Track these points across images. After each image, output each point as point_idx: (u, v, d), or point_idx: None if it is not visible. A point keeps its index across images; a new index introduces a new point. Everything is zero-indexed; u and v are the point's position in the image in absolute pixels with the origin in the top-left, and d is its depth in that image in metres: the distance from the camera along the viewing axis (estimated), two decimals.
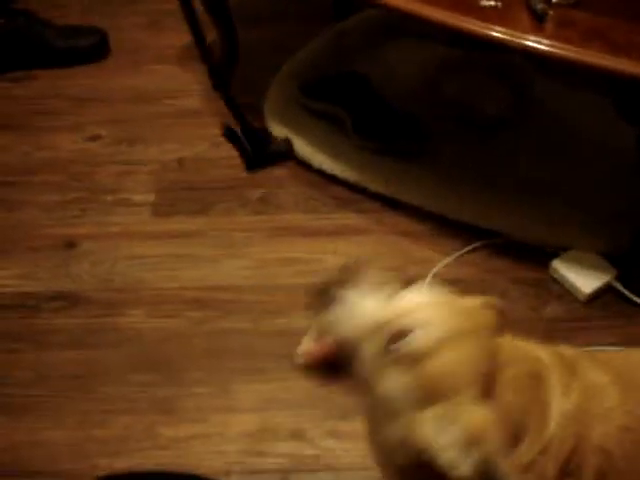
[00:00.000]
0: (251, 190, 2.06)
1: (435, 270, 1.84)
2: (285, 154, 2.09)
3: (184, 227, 1.99)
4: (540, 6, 1.54)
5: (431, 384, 0.98)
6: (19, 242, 1.97)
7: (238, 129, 2.15)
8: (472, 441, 0.96)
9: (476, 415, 0.98)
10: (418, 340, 0.98)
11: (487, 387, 1.01)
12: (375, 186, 2.02)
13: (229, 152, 2.17)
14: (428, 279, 1.82)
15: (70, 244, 1.96)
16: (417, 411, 0.99)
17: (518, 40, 1.51)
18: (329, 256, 1.90)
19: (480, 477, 0.96)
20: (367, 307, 1.03)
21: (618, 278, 1.79)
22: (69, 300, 1.84)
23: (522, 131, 2.15)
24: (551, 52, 1.50)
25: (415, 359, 0.98)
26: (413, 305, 1.03)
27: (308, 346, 1.10)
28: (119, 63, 2.51)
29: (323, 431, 1.59)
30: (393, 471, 1.12)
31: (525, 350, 1.13)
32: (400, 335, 0.99)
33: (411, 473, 1.06)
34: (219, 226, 1.99)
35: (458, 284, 1.81)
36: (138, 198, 2.07)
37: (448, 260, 1.87)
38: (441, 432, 0.98)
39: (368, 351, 1.02)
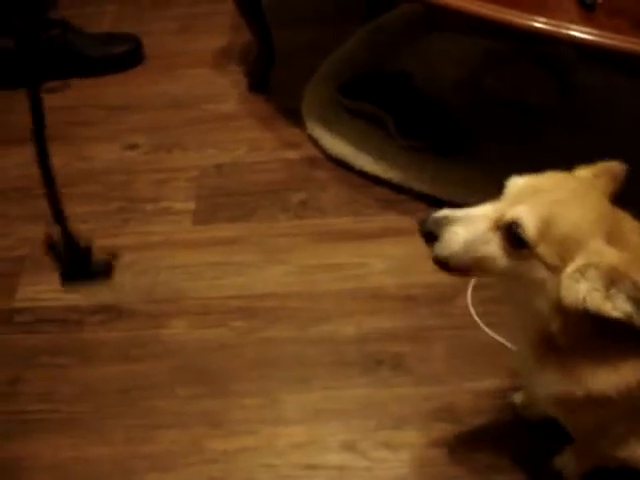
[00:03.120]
0: (292, 194, 2.03)
1: None
2: (104, 274, 1.90)
3: (225, 234, 1.96)
4: None
5: (559, 250, 1.06)
6: None
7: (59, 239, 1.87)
8: (615, 277, 1.04)
9: (609, 256, 1.05)
10: (529, 222, 1.07)
11: (613, 233, 1.08)
12: (420, 185, 1.98)
13: (268, 156, 2.15)
14: (473, 279, 1.77)
15: (112, 255, 1.94)
16: (556, 275, 1.07)
17: (566, 30, 1.46)
18: (374, 259, 1.86)
19: (635, 308, 1.03)
20: (475, 215, 1.13)
21: None
22: (113, 313, 1.82)
23: (568, 123, 2.09)
24: (601, 42, 1.45)
25: (535, 238, 1.07)
26: (515, 196, 1.12)
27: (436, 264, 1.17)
28: (153, 69, 2.49)
29: (375, 442, 1.55)
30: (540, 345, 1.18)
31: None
32: (513, 226, 1.08)
33: (569, 333, 1.12)
34: (261, 232, 1.96)
35: None
36: (178, 206, 2.04)
37: None
38: (583, 282, 1.05)
39: (493, 251, 1.11)
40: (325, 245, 1.90)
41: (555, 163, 1.95)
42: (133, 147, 2.22)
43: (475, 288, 1.76)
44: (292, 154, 2.12)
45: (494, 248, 1.11)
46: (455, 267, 1.15)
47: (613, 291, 1.04)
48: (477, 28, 2.13)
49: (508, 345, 1.64)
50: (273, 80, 2.33)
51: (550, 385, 1.21)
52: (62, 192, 1.77)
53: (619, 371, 1.13)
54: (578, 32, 1.46)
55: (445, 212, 1.14)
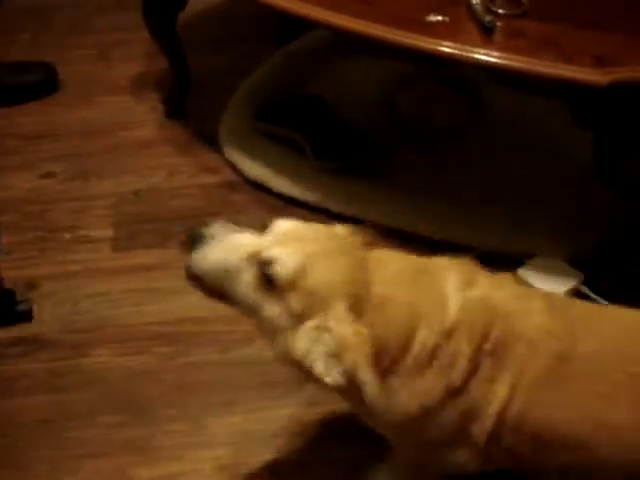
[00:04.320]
0: (211, 219, 2.02)
1: None
2: (27, 316, 1.86)
3: (145, 261, 1.96)
4: (488, 18, 1.55)
5: (303, 302, 1.10)
6: None
7: None
8: (340, 350, 1.07)
9: (345, 327, 1.08)
10: (284, 265, 1.10)
11: (358, 298, 1.11)
12: (336, 206, 2.01)
13: (186, 181, 2.15)
14: None
15: (30, 286, 1.91)
16: (297, 325, 1.10)
17: (468, 54, 1.52)
18: None
19: (350, 384, 1.07)
20: (237, 241, 1.16)
21: (585, 282, 1.80)
22: (33, 344, 1.79)
23: (479, 141, 2.16)
24: (502, 64, 1.51)
25: (285, 282, 1.10)
26: (279, 236, 1.15)
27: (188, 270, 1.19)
28: (69, 97, 2.47)
29: (301, 463, 1.56)
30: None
31: (414, 256, 1.23)
32: (269, 263, 1.11)
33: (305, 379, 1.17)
34: (180, 257, 1.94)
35: None
36: (96, 234, 2.03)
37: None
38: (313, 343, 1.09)
39: (243, 281, 1.14)
40: None
41: (468, 181, 2.02)
42: (49, 176, 2.20)
43: None
44: (210, 179, 2.13)
45: (245, 280, 1.14)
46: (206, 286, 1.18)
47: (334, 361, 1.08)
48: (388, 51, 2.18)
49: None
50: (190, 106, 2.34)
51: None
52: None
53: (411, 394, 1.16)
54: (481, 55, 1.52)
55: (215, 228, 1.18)
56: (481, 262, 1.84)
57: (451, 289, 1.18)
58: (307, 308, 1.10)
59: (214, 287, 1.18)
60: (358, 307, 1.12)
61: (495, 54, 1.50)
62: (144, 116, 2.37)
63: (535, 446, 1.18)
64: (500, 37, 1.54)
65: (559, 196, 1.98)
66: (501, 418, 1.17)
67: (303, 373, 1.14)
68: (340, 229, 1.22)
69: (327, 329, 1.09)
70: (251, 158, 2.13)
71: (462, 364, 1.14)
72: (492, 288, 1.21)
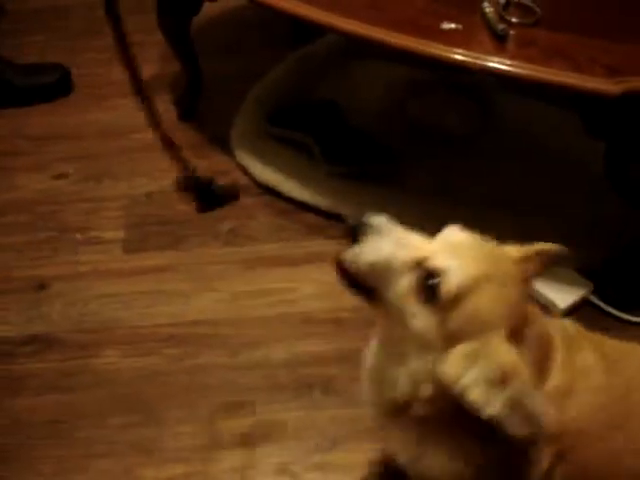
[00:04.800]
0: (221, 222, 2.05)
1: None
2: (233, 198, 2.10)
3: (156, 262, 1.97)
4: (501, 27, 1.55)
5: (462, 322, 1.00)
6: None
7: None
8: (503, 378, 0.98)
9: (506, 353, 1.00)
10: (452, 281, 1.00)
11: (517, 328, 1.03)
12: (347, 211, 2.01)
13: None
14: None
15: (41, 285, 1.93)
16: (448, 347, 1.01)
17: (481, 62, 1.52)
18: (303, 284, 1.89)
19: (511, 414, 0.98)
20: (404, 241, 1.06)
21: (594, 291, 1.80)
22: (43, 343, 1.81)
23: (490, 148, 2.16)
24: (514, 72, 1.51)
25: (448, 298, 1.00)
26: (449, 246, 1.06)
27: (342, 262, 1.10)
28: (83, 99, 2.49)
29: (308, 464, 1.57)
30: (392, 407, 1.14)
31: (542, 316, 1.15)
32: (435, 274, 1.01)
33: (432, 405, 1.08)
34: (191, 260, 1.97)
35: None
36: (108, 235, 2.04)
37: None
38: (471, 368, 0.99)
39: (401, 285, 1.04)
40: (255, 271, 1.93)
41: (479, 187, 2.02)
42: (62, 176, 2.22)
43: None
44: (221, 181, 2.14)
45: (403, 284, 1.05)
46: (358, 279, 1.09)
47: (495, 391, 0.99)
48: (400, 57, 2.19)
49: None
50: (202, 109, 2.35)
51: (396, 450, 1.20)
52: None
53: (455, 459, 1.12)
54: (493, 63, 1.52)
55: (381, 221, 1.08)
56: None
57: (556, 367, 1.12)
58: (464, 330, 1.01)
59: (366, 283, 1.08)
60: (515, 336, 1.03)
61: (507, 62, 1.51)
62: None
63: None
64: (512, 45, 1.55)
65: (569, 205, 1.98)
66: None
67: (440, 403, 1.06)
68: (513, 251, 1.12)
69: (486, 355, 0.99)
70: (262, 162, 2.14)
71: None
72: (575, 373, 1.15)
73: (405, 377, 1.09)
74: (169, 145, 2.10)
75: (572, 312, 1.79)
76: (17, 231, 2.07)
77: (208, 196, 2.07)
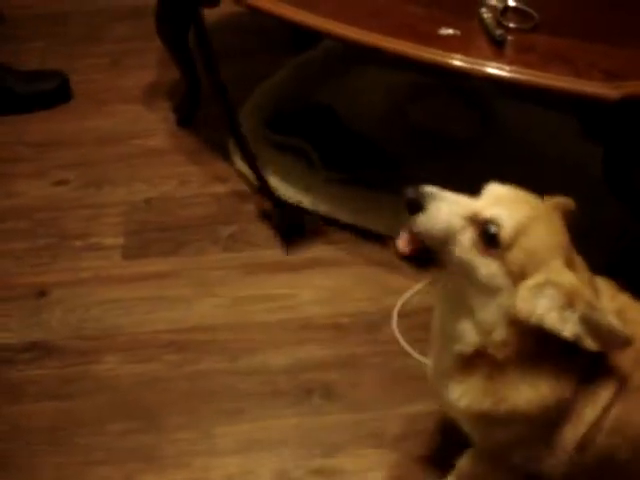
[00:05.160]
0: (221, 227, 2.05)
1: (408, 296, 1.86)
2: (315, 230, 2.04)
3: (156, 269, 1.97)
4: (499, 32, 1.55)
5: (524, 260, 1.12)
6: None
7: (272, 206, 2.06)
8: (571, 298, 1.10)
9: (568, 277, 1.11)
10: (507, 225, 1.12)
11: (569, 259, 1.16)
12: (345, 217, 2.02)
13: (197, 190, 2.17)
14: (399, 305, 1.83)
15: (41, 292, 1.93)
16: (515, 286, 1.12)
17: (479, 67, 1.52)
18: (303, 290, 1.90)
19: (587, 331, 1.10)
20: (457, 202, 1.17)
21: None
22: (43, 350, 1.80)
23: (490, 153, 2.16)
24: (512, 77, 1.51)
25: (507, 242, 1.12)
26: (495, 199, 1.18)
27: (405, 237, 1.20)
28: (82, 106, 2.49)
29: (307, 470, 1.57)
30: (463, 360, 1.23)
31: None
32: (490, 223, 1.13)
33: (511, 345, 1.17)
34: (191, 265, 1.97)
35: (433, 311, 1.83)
36: (108, 242, 2.04)
37: (422, 286, 1.87)
38: (541, 298, 1.11)
39: (464, 241, 1.15)
40: (255, 277, 1.93)
41: (478, 190, 2.02)
42: (61, 183, 2.22)
43: (401, 315, 1.81)
44: (221, 188, 2.14)
45: (463, 240, 1.15)
46: (425, 244, 1.18)
47: (568, 312, 1.10)
48: (399, 63, 2.19)
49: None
50: (201, 115, 2.36)
51: (471, 401, 1.25)
52: None
53: (539, 390, 1.18)
54: (491, 68, 1.52)
55: (433, 189, 1.18)
56: None
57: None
58: (525, 267, 1.12)
59: (433, 246, 1.18)
60: (570, 267, 1.14)
61: (506, 68, 1.51)
62: (156, 125, 2.39)
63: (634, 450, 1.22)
64: (511, 51, 1.55)
65: None
66: (598, 424, 1.20)
67: (519, 340, 1.15)
68: (547, 200, 1.25)
69: (550, 283, 1.11)
70: (261, 168, 2.14)
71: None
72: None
73: (473, 328, 1.18)
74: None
75: None
76: (17, 238, 2.07)
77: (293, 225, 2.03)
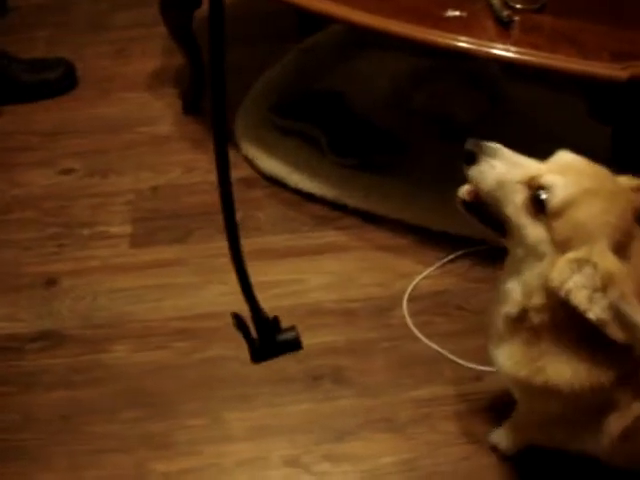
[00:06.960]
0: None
1: (417, 281, 1.85)
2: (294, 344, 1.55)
3: (163, 256, 1.97)
4: (505, 13, 1.54)
5: (569, 232, 1.11)
6: None
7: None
8: (606, 283, 1.07)
9: (610, 261, 1.09)
10: (558, 194, 1.12)
11: (621, 244, 1.12)
12: (354, 202, 2.01)
13: (203, 177, 2.16)
14: (409, 290, 1.83)
15: (50, 281, 1.93)
16: (557, 255, 1.12)
17: (486, 49, 1.51)
18: (311, 275, 1.89)
19: (614, 320, 1.08)
20: (520, 162, 1.19)
21: None
22: (53, 339, 1.81)
23: (497, 135, 2.14)
24: (519, 58, 1.51)
25: (555, 210, 1.12)
26: (559, 166, 1.17)
27: (467, 187, 1.26)
28: (88, 94, 2.48)
29: (318, 455, 1.57)
30: (510, 322, 1.23)
31: None
32: (543, 188, 1.13)
33: (545, 314, 1.17)
34: (198, 253, 1.97)
35: (442, 295, 1.83)
36: (115, 230, 2.05)
37: (431, 271, 1.86)
38: (576, 274, 1.10)
39: (516, 200, 1.16)
40: (263, 263, 1.91)
41: None
42: (68, 172, 2.22)
43: (410, 300, 1.81)
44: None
45: (518, 199, 1.16)
46: (481, 197, 1.21)
47: (599, 295, 1.08)
48: (405, 46, 2.18)
49: (445, 354, 1.69)
50: (207, 102, 2.35)
51: (513, 365, 1.25)
52: None
53: (574, 369, 1.18)
54: (498, 50, 1.52)
55: (497, 145, 1.22)
56: (494, 257, 1.86)
57: None
58: (570, 239, 1.11)
59: (487, 201, 1.20)
60: (620, 253, 1.12)
61: (512, 49, 1.50)
62: (161, 112, 2.38)
63: None
64: (517, 32, 1.54)
65: None
66: None
67: (553, 311, 1.15)
68: (625, 180, 1.22)
69: (590, 262, 1.09)
70: (268, 154, 2.14)
71: None
72: None
73: (519, 287, 1.20)
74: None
75: None
76: (24, 227, 2.07)
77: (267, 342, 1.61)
